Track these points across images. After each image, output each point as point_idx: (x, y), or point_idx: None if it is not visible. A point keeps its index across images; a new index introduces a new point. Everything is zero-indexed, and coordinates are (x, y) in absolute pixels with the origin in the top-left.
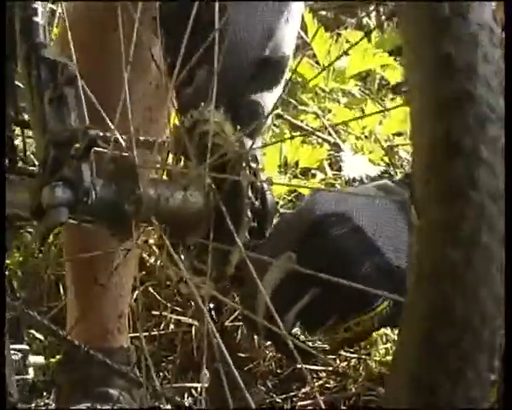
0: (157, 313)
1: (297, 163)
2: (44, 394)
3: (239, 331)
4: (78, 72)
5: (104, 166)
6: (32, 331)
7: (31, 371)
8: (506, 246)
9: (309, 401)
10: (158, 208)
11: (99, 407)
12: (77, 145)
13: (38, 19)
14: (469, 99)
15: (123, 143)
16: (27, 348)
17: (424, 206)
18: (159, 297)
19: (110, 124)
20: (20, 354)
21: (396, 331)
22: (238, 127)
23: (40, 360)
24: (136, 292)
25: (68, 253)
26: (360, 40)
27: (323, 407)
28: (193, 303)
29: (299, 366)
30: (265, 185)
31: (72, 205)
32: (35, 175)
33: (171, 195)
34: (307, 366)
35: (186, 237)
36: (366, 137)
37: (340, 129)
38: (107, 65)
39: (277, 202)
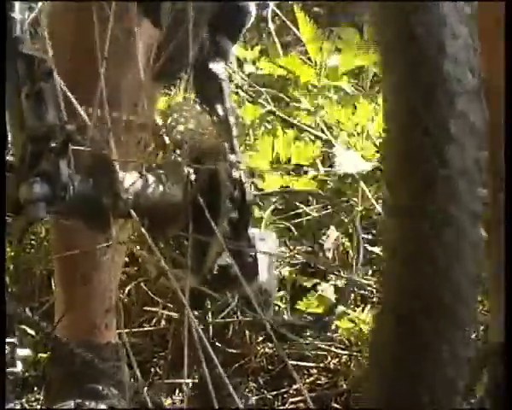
0: (149, 308)
1: (289, 160)
2: (35, 389)
3: (230, 327)
4: (55, 68)
5: (82, 161)
6: (24, 327)
7: (19, 363)
8: (506, 247)
9: (300, 398)
10: (136, 202)
11: (87, 403)
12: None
13: (15, 14)
14: (437, 75)
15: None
16: (14, 341)
17: (393, 183)
18: (150, 293)
19: (87, 120)
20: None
21: None
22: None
23: (27, 352)
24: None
25: (55, 248)
26: None
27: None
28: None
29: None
30: (243, 177)
31: (49, 200)
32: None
33: (149, 188)
34: (298, 363)
35: (166, 229)
36: (358, 134)
37: (332, 125)
38: (88, 63)
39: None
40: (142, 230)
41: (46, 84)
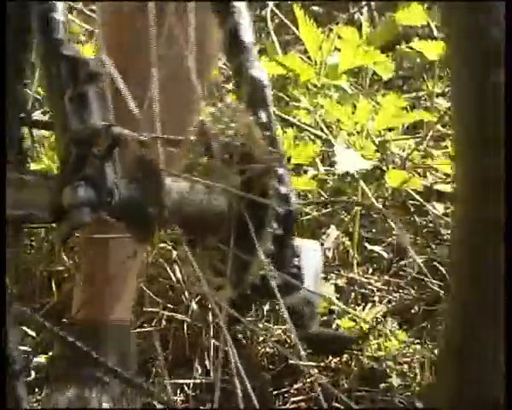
0: (149, 309)
1: (289, 159)
2: (36, 390)
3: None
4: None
5: (128, 167)
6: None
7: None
8: (506, 247)
9: (301, 397)
10: (180, 210)
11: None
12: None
13: (57, 15)
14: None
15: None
16: (29, 349)
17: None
18: (151, 294)
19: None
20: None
21: (388, 326)
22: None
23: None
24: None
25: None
26: None
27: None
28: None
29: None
30: (289, 190)
31: (94, 205)
32: (49, 175)
33: (195, 198)
34: (299, 362)
35: (206, 238)
36: (358, 132)
37: (332, 124)
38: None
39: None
40: (184, 244)
41: (90, 87)
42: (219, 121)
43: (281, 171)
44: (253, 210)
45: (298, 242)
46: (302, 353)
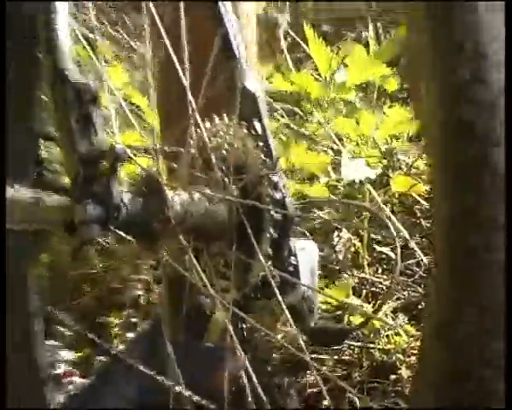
0: None
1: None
2: None
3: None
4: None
5: (133, 183)
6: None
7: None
8: (507, 247)
9: (314, 390)
10: (183, 221)
11: None
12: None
13: (62, 41)
14: (487, 167)
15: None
16: (56, 343)
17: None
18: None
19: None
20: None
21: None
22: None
23: (70, 355)
24: None
25: None
26: None
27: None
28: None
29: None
30: (285, 194)
31: (103, 221)
32: (62, 190)
33: (197, 209)
34: (312, 355)
35: (210, 244)
36: (363, 144)
37: (342, 136)
38: None
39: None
40: (189, 252)
41: (94, 108)
42: (216, 136)
43: (275, 178)
44: (251, 216)
45: (293, 242)
46: (302, 345)
